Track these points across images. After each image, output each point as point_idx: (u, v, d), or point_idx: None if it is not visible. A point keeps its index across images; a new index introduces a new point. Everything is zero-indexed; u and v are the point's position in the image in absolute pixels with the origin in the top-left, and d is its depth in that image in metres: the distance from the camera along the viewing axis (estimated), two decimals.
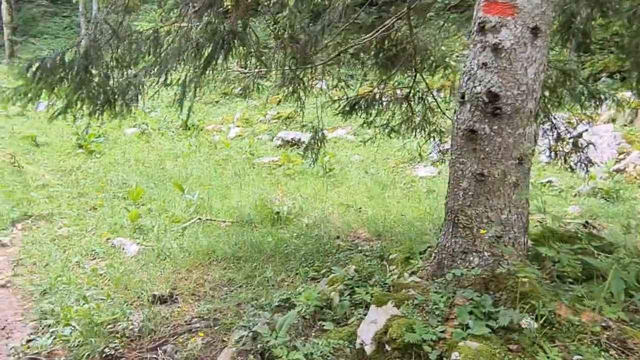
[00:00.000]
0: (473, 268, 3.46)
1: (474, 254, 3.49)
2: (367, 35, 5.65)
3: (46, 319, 4.15)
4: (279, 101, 19.22)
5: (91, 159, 10.09)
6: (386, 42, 5.90)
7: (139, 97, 3.88)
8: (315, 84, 6.42)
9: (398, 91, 6.27)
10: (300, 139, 12.82)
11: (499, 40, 3.19)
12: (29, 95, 3.50)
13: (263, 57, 5.61)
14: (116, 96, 3.86)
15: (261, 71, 5.94)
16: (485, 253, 3.46)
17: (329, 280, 4.89)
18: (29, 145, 10.93)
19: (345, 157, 11.30)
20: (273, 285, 4.84)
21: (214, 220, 6.55)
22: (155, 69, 4.00)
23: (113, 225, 6.26)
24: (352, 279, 4.65)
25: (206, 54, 5.09)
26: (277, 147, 12.56)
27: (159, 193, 7.74)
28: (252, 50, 5.44)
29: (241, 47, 5.43)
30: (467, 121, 3.38)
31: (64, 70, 3.43)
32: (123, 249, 5.47)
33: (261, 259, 5.39)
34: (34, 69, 3.32)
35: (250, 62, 6.07)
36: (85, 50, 3.42)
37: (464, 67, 3.44)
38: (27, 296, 4.65)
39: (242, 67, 6.46)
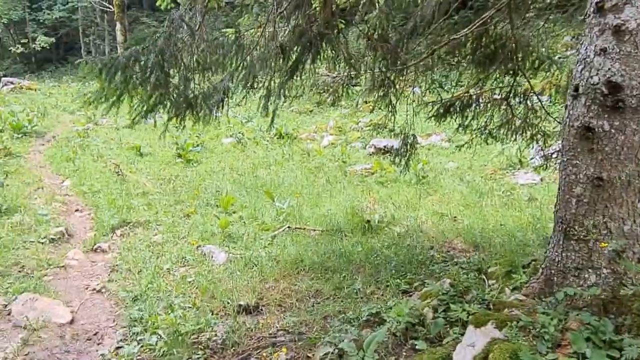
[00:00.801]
0: (589, 287, 2.99)
1: (590, 270, 3.02)
2: (463, 32, 5.25)
3: (135, 326, 4.16)
4: (372, 109, 19.00)
5: (189, 167, 10.40)
6: (483, 38, 5.46)
7: (224, 102, 3.79)
8: (407, 87, 6.10)
9: (497, 92, 5.78)
10: (392, 146, 12.45)
11: (622, 21, 2.72)
12: (110, 98, 3.52)
13: (352, 60, 5.38)
14: (199, 100, 3.79)
15: (350, 75, 5.72)
16: (604, 270, 2.98)
17: (422, 295, 4.54)
18: (134, 155, 11.49)
19: (440, 164, 10.78)
20: (362, 298, 4.57)
21: (304, 229, 6.40)
22: (241, 74, 3.89)
23: (204, 233, 6.29)
24: (447, 293, 4.28)
25: (293, 58, 4.97)
26: (370, 154, 12.29)
27: (250, 201, 7.74)
28: (341, 53, 5.24)
29: (329, 50, 5.27)
30: (581, 117, 2.92)
31: (140, 70, 3.40)
32: (212, 256, 5.45)
33: (350, 269, 5.13)
34: (107, 69, 3.32)
35: (339, 66, 5.88)
36: (161, 49, 3.36)
37: (578, 55, 2.99)
38: (120, 302, 4.73)
39: (330, 72, 6.29)
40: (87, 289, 5.07)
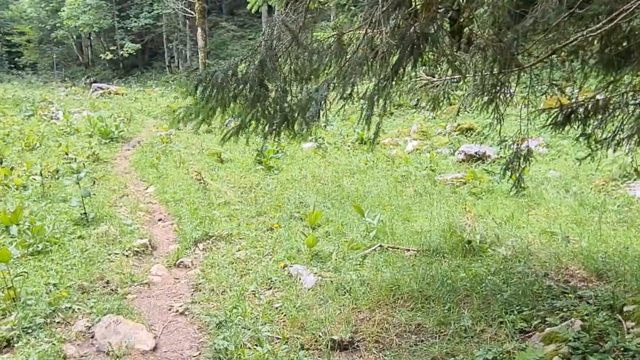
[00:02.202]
0: None
1: None
2: (590, 28, 4.52)
3: (220, 358, 3.80)
4: (458, 111, 18.08)
5: (269, 175, 10.11)
6: (614, 35, 4.69)
7: (320, 113, 3.34)
8: (520, 92, 5.40)
9: (629, 96, 4.98)
10: (485, 153, 11.65)
11: None
12: (201, 116, 3.17)
13: (457, 62, 4.78)
14: (295, 114, 3.36)
15: (453, 78, 5.13)
16: None
17: (545, 337, 3.89)
18: (215, 161, 11.39)
19: (539, 173, 9.87)
20: (472, 337, 3.97)
21: (397, 248, 5.86)
22: (339, 81, 3.43)
23: (289, 250, 5.89)
24: (579, 339, 3.60)
25: (393, 62, 4.45)
26: (459, 162, 11.53)
27: (336, 214, 7.29)
28: (446, 54, 4.66)
29: (432, 52, 4.71)
30: None
31: (237, 84, 3.01)
32: (300, 279, 5.02)
33: (454, 300, 4.53)
34: (203, 85, 2.96)
35: (441, 69, 5.30)
36: (261, 61, 2.96)
37: None
38: (203, 327, 4.40)
39: (429, 76, 5.70)
40: (170, 310, 4.79)
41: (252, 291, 4.92)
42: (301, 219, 7.19)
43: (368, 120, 3.52)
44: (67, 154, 10.98)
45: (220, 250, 6.18)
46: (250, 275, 5.33)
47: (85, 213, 7.09)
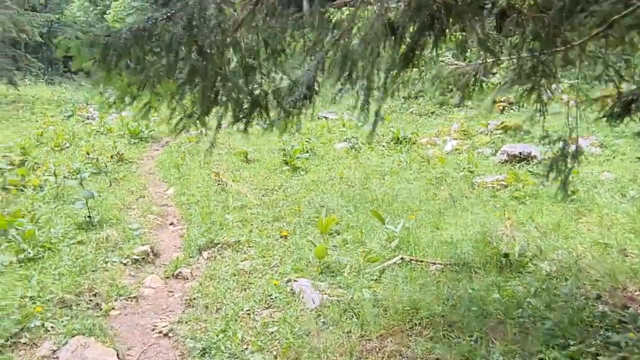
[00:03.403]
0: None
1: None
2: None
3: None
4: (503, 108, 17.02)
5: (295, 176, 9.48)
6: None
7: (309, 100, 2.66)
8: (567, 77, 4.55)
9: None
10: (530, 153, 10.63)
11: None
12: (128, 97, 2.52)
13: (489, 42, 3.99)
14: (268, 98, 2.69)
15: (486, 62, 4.33)
16: None
17: None
18: (240, 161, 10.86)
19: (591, 175, 8.82)
20: None
21: (421, 262, 5.09)
22: (337, 60, 2.73)
23: (298, 261, 5.23)
24: None
25: (408, 41, 3.72)
26: (502, 162, 10.55)
27: (357, 219, 6.57)
28: (475, 32, 3.88)
29: (458, 30, 3.95)
30: None
31: (161, 51, 2.33)
32: (302, 296, 4.34)
33: (484, 328, 3.75)
34: (100, 49, 2.27)
35: (470, 51, 4.51)
36: (189, 18, 2.24)
37: None
38: (186, 353, 3.79)
39: (457, 60, 4.90)
40: (153, 330, 4.21)
41: (248, 310, 4.28)
42: (317, 226, 6.51)
43: (366, 110, 2.80)
44: (88, 153, 10.69)
45: (225, 259, 5.57)
46: (252, 290, 4.70)
47: (89, 216, 6.64)
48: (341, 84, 2.92)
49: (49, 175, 9.06)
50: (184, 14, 2.30)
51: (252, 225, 6.67)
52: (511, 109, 16.09)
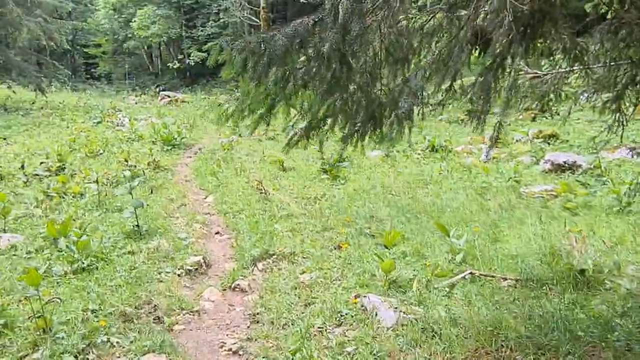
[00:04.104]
0: None
1: None
2: None
3: None
4: (535, 116, 16.70)
5: (335, 185, 9.31)
6: None
7: (416, 110, 2.49)
8: None
9: None
10: (575, 162, 10.35)
11: None
12: (258, 110, 2.38)
13: (577, 49, 3.79)
14: (384, 109, 2.52)
15: (571, 70, 4.13)
16: None
17: None
18: (277, 170, 10.72)
19: None
20: None
21: (492, 277, 4.87)
22: (438, 69, 2.56)
23: (361, 275, 5.04)
24: None
25: (497, 50, 3.53)
26: (545, 172, 10.28)
27: (411, 230, 6.37)
28: (563, 39, 3.69)
29: (547, 37, 3.76)
30: None
31: (307, 59, 2.19)
32: (376, 313, 4.15)
33: (578, 353, 3.53)
34: (254, 57, 2.15)
35: (554, 59, 4.31)
36: (343, 24, 2.10)
37: None
38: None
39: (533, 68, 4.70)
40: (222, 347, 4.05)
41: (319, 327, 4.10)
42: (373, 236, 6.33)
43: (479, 119, 2.62)
44: (126, 160, 10.64)
45: (282, 271, 5.41)
46: (316, 306, 4.52)
47: (137, 225, 6.54)
48: (442, 95, 2.74)
49: (89, 183, 9.01)
50: (333, 19, 2.12)
51: (302, 235, 6.50)
52: (543, 116, 15.79)
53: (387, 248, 5.55)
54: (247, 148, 13.31)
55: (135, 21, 34.13)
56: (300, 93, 2.36)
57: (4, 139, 14.99)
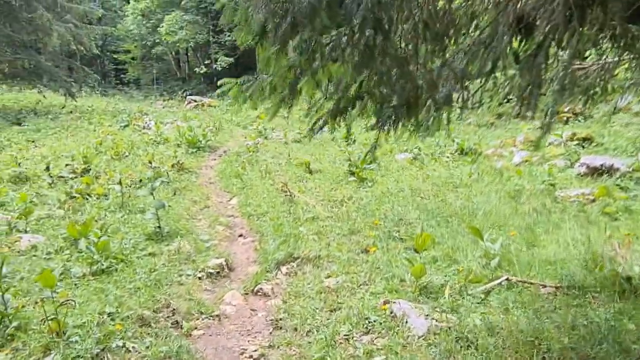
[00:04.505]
0: None
1: None
2: None
3: None
4: (567, 119, 16.14)
5: (363, 187, 9.04)
6: None
7: (457, 96, 2.23)
8: None
9: None
10: (612, 165, 9.88)
11: None
12: (280, 89, 2.14)
13: (629, 36, 3.48)
14: (421, 93, 2.26)
15: (620, 60, 3.81)
16: None
17: None
18: (303, 172, 10.51)
19: None
20: None
21: (530, 283, 4.56)
22: (478, 52, 2.30)
23: (390, 280, 4.78)
24: None
25: (540, 37, 3.25)
26: (580, 175, 9.84)
27: (442, 234, 6.08)
28: (613, 23, 3.38)
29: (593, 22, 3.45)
30: None
31: (335, 20, 1.93)
32: (406, 321, 3.88)
33: None
34: (275, 19, 1.90)
35: (600, 48, 3.99)
36: None
37: None
38: None
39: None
40: (242, 354, 3.84)
41: (345, 335, 3.85)
42: (402, 239, 6.06)
43: (530, 105, 2.35)
44: (150, 162, 10.57)
45: (307, 275, 5.18)
46: (342, 312, 4.27)
47: (159, 227, 6.39)
48: (481, 81, 2.47)
49: (113, 184, 8.93)
50: None
51: (327, 238, 6.26)
52: (577, 119, 15.25)
53: (417, 252, 5.26)
54: (272, 151, 13.14)
55: (162, 27, 34.45)
56: (327, 67, 2.11)
57: (33, 141, 15.16)
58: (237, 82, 2.35)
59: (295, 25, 1.93)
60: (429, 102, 2.33)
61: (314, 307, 4.42)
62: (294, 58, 2.02)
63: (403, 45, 2.18)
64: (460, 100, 2.35)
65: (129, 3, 39.98)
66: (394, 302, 4.18)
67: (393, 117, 2.48)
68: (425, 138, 2.53)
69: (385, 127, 2.57)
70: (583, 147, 12.16)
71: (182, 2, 35.47)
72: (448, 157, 12.01)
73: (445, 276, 4.84)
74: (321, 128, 2.61)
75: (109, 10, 42.85)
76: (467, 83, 2.34)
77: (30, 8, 20.85)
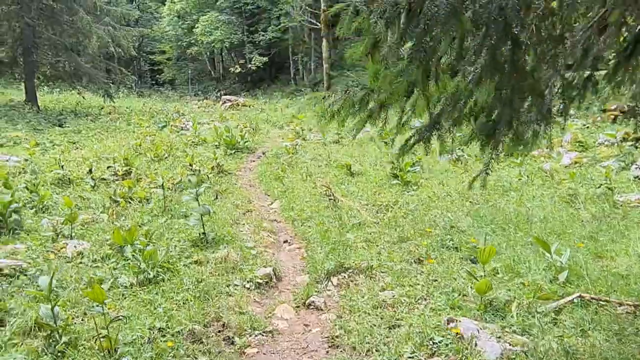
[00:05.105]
0: None
1: None
2: None
3: None
4: (615, 118, 15.45)
5: (407, 191, 8.75)
6: None
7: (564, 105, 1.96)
8: None
9: None
10: None
11: None
12: (389, 99, 1.90)
13: None
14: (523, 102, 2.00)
15: None
16: None
17: None
18: (344, 174, 10.27)
19: None
20: None
21: (606, 301, 4.21)
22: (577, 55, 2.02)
23: (450, 295, 4.50)
24: None
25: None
26: (637, 178, 9.32)
27: (500, 243, 5.75)
28: None
29: None
30: None
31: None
32: (475, 343, 3.60)
33: None
34: None
35: None
36: None
37: None
38: None
39: None
40: None
41: (409, 357, 3.60)
42: (456, 248, 5.76)
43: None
44: (191, 165, 10.49)
45: (360, 287, 4.94)
46: (402, 329, 4.02)
47: (204, 233, 6.25)
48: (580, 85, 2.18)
49: (155, 187, 8.87)
50: None
51: (377, 246, 6.02)
52: (625, 118, 14.58)
53: (473, 262, 4.96)
54: (311, 152, 12.93)
55: (198, 27, 34.69)
56: (443, 81, 1.88)
57: (74, 143, 15.33)
58: (322, 97, 2.13)
59: (429, 26, 1.69)
60: (533, 114, 2.06)
61: (372, 324, 4.18)
62: (410, 68, 1.79)
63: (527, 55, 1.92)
64: (562, 112, 2.08)
65: (164, 5, 40.47)
66: (458, 321, 3.91)
67: (494, 130, 2.22)
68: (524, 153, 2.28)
69: (494, 145, 2.31)
70: (636, 147, 11.58)
71: (217, 3, 35.66)
72: (492, 158, 11.58)
73: (509, 290, 4.53)
74: (412, 147, 2.38)
75: (145, 12, 43.45)
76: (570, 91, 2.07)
77: (71, 11, 21.20)
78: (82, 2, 21.51)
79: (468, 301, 4.36)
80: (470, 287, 4.47)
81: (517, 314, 4.07)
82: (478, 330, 3.71)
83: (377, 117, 2.17)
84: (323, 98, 2.22)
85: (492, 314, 4.12)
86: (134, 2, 43.56)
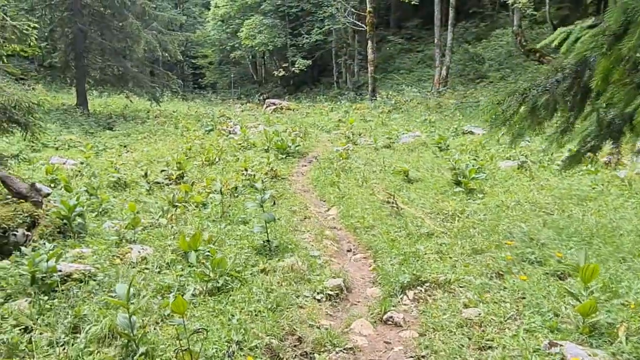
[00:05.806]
0: None
1: None
2: None
3: None
4: None
5: (472, 199, 8.36)
6: None
7: None
8: None
9: None
10: None
11: None
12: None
13: None
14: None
15: None
16: None
17: None
18: (401, 181, 9.94)
19: None
20: None
21: None
22: None
23: (546, 315, 4.13)
24: None
25: None
26: None
27: (588, 259, 5.32)
28: None
29: None
30: None
31: None
32: None
33: None
34: None
35: None
36: None
37: None
38: None
39: None
40: None
41: None
42: (538, 262, 5.37)
43: None
44: (246, 169, 10.35)
45: (439, 303, 4.62)
46: (495, 351, 3.69)
47: (268, 240, 6.05)
48: None
49: (210, 192, 8.76)
50: None
51: (451, 258, 5.68)
52: None
53: (563, 280, 4.57)
54: (363, 157, 12.64)
55: (242, 31, 34.89)
56: None
57: (125, 146, 15.50)
58: (498, 103, 1.87)
59: None
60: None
61: (459, 344, 3.87)
62: None
63: None
64: None
65: (208, 10, 40.95)
66: (561, 345, 3.55)
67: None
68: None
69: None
70: None
71: (261, 7, 35.82)
72: (559, 165, 11.03)
73: (609, 312, 4.13)
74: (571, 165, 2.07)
75: (189, 17, 44.06)
76: None
77: (121, 17, 21.57)
78: (131, 8, 21.83)
79: (565, 322, 3.99)
80: (565, 307, 4.10)
81: (625, 339, 3.68)
82: (586, 357, 3.35)
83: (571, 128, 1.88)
84: (497, 103, 1.96)
85: (596, 338, 3.75)
86: (178, 8, 44.27)
